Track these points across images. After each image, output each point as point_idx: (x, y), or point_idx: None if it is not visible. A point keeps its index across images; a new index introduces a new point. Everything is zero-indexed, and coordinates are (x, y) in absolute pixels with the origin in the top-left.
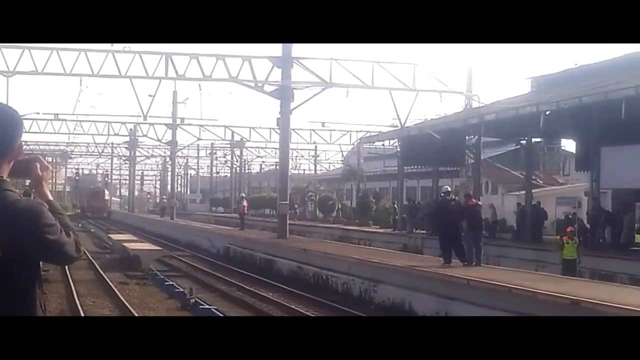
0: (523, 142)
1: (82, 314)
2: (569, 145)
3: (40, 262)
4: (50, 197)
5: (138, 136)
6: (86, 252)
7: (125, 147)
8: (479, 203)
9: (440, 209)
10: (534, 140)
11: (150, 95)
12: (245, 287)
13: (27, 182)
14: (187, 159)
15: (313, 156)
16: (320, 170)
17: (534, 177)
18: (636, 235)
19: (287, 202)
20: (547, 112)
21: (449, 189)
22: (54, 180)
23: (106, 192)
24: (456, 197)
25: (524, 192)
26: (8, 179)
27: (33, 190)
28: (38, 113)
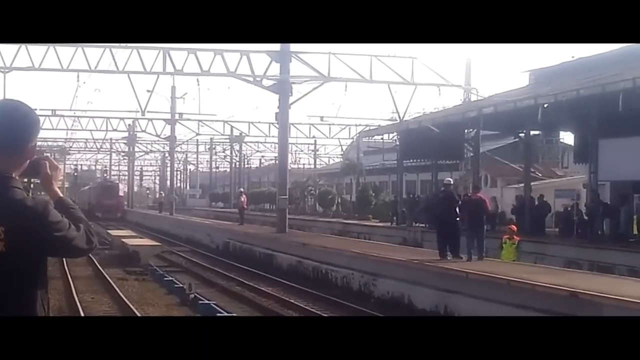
0: (522, 135)
1: (81, 310)
2: (567, 137)
3: (47, 261)
4: (61, 195)
5: (137, 132)
6: None
7: (124, 143)
8: (482, 197)
9: (440, 202)
10: (532, 133)
11: (148, 91)
12: (245, 282)
13: (25, 179)
14: (186, 154)
15: (312, 150)
16: (320, 164)
17: (532, 170)
18: (634, 226)
19: (287, 196)
20: (545, 105)
21: (451, 181)
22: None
23: (121, 186)
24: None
25: (522, 185)
26: (17, 177)
27: (32, 186)
28: (35, 109)
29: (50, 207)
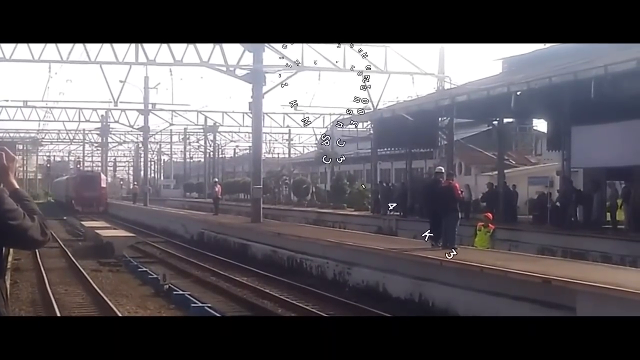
0: (495, 122)
1: (54, 303)
2: (540, 125)
3: (3, 251)
4: (17, 186)
5: (110, 122)
6: (58, 239)
7: (97, 134)
8: (450, 183)
9: (431, 190)
10: (505, 120)
11: (121, 81)
12: (220, 272)
13: None
14: (160, 145)
15: (287, 140)
16: (294, 153)
17: (506, 158)
18: (607, 213)
19: (261, 186)
20: (518, 93)
21: (442, 170)
22: (25, 169)
23: (103, 177)
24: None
25: (496, 172)
26: None
27: None
28: (7, 100)
29: (4, 195)
